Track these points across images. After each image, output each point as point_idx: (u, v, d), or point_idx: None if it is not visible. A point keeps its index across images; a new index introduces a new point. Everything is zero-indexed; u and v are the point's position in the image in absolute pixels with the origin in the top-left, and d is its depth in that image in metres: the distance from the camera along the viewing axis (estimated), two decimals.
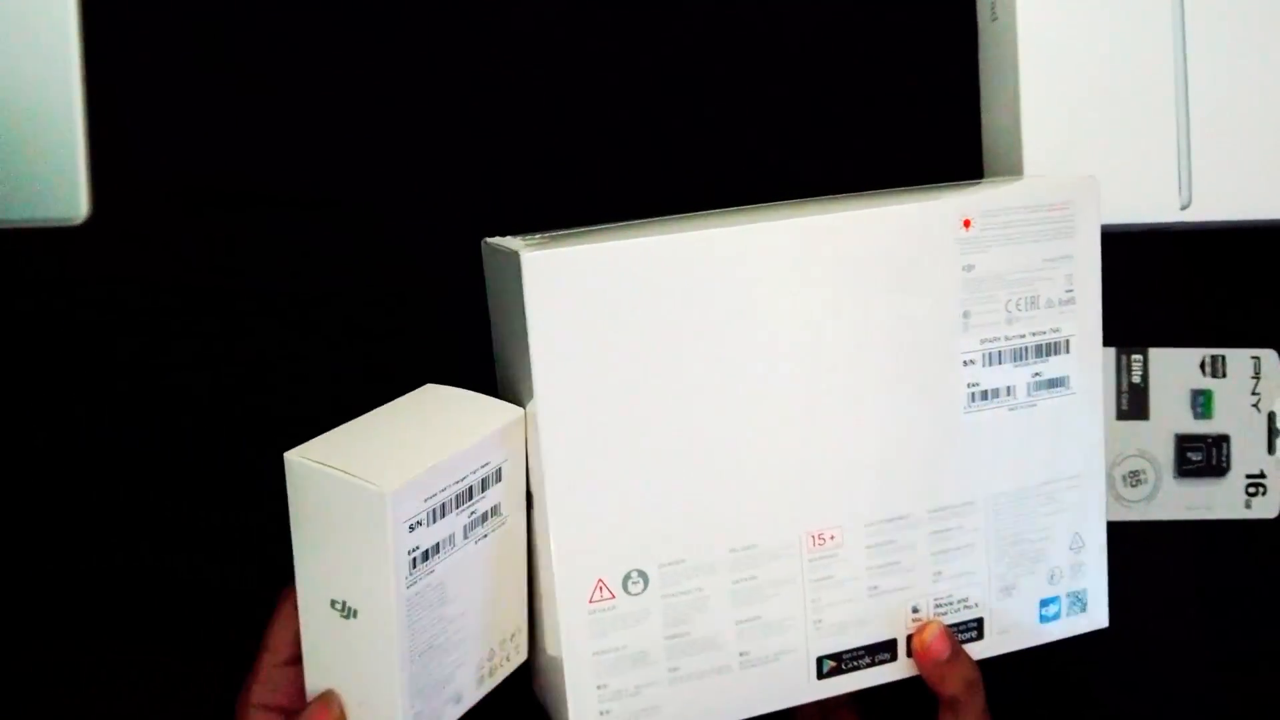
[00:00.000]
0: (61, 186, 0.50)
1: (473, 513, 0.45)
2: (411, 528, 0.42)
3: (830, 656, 0.50)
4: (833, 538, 0.49)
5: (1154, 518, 0.61)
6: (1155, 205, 0.53)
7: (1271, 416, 0.61)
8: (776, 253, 0.47)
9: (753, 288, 0.47)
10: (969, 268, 0.49)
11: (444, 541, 0.44)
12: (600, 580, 0.47)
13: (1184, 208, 0.53)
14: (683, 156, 0.58)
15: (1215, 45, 0.52)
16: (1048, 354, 0.51)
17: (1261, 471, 0.61)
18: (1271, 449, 0.61)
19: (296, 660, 0.46)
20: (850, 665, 0.50)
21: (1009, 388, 0.50)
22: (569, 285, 0.45)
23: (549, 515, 0.46)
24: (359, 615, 0.44)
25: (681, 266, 0.46)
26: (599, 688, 0.47)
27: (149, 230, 0.56)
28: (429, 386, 0.49)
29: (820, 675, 0.49)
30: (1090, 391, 0.52)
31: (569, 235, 0.48)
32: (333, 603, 0.44)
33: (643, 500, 0.47)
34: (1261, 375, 0.60)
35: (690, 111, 0.58)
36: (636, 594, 0.47)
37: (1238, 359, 0.60)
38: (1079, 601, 0.53)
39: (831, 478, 0.49)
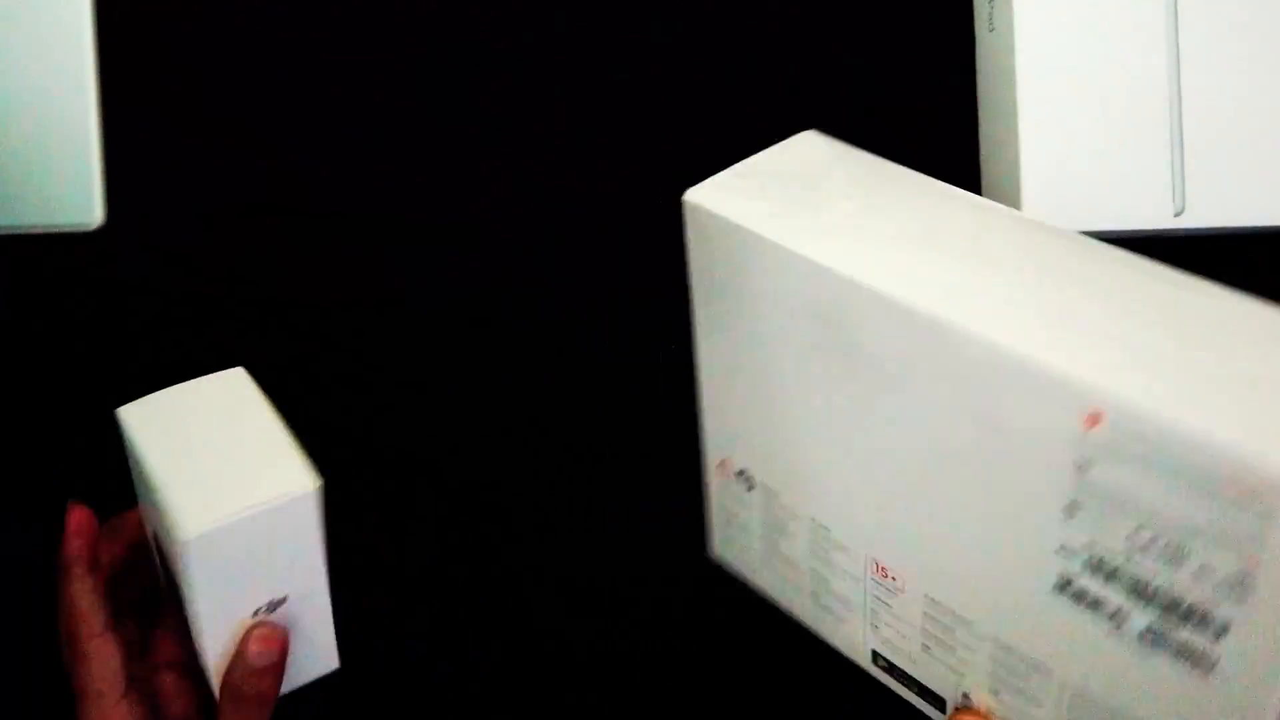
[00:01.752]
0: (76, 193, 0.50)
1: None
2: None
3: (884, 658, 0.47)
4: (895, 579, 0.45)
5: None
6: (1149, 212, 0.53)
7: None
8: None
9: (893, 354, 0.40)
10: (1083, 464, 0.35)
11: None
12: None
13: (1178, 214, 0.53)
14: (682, 165, 0.59)
15: (1209, 53, 0.53)
16: (1185, 619, 0.35)
17: None
18: None
19: None
20: (901, 682, 0.47)
21: (1116, 612, 0.37)
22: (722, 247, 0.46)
23: None
24: None
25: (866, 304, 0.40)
26: None
27: (162, 237, 0.56)
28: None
29: (874, 663, 0.48)
30: (1253, 691, 0.34)
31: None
32: None
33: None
34: None
35: (689, 122, 0.58)
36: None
37: None
38: None
39: (901, 532, 0.43)
